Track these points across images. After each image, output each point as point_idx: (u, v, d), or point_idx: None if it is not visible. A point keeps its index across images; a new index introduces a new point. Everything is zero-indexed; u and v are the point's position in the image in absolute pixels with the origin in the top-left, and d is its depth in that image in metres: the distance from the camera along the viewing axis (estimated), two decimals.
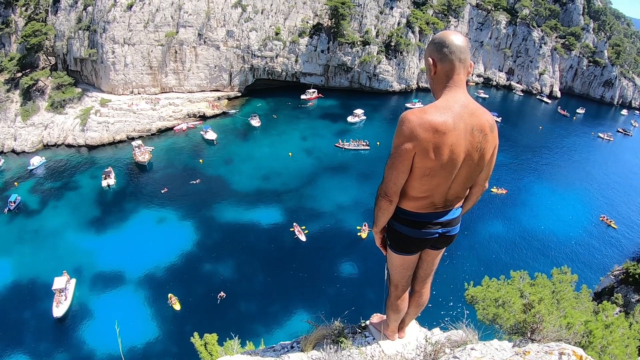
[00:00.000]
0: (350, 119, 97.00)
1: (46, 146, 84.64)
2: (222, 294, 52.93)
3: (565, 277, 18.17)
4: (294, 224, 63.77)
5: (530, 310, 8.68)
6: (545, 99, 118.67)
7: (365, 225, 62.91)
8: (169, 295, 52.94)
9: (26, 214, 66.95)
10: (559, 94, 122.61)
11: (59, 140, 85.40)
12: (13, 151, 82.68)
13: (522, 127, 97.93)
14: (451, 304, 47.71)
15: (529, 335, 8.51)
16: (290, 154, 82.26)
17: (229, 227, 64.92)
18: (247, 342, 17.44)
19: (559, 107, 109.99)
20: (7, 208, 66.41)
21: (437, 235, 4.77)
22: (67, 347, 48.10)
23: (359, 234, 62.19)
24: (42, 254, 58.97)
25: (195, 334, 17.89)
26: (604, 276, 36.88)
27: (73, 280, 54.15)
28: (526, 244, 61.38)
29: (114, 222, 65.85)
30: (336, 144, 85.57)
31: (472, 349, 5.97)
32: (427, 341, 8.59)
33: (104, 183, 73.17)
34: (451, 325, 10.38)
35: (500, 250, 60.25)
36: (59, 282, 52.02)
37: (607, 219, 67.24)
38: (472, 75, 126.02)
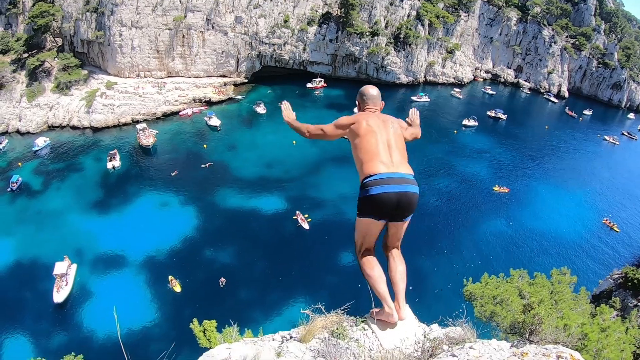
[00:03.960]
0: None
1: (51, 127, 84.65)
2: (222, 279, 53.11)
3: (564, 278, 18.11)
4: (297, 212, 63.82)
5: (529, 311, 8.71)
6: (552, 99, 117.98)
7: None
8: (170, 277, 53.23)
9: (29, 195, 67.06)
10: (566, 94, 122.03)
11: (64, 121, 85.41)
12: (18, 132, 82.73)
13: (528, 125, 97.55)
14: (450, 298, 48.09)
15: (527, 336, 8.54)
16: (294, 142, 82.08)
17: (231, 213, 64.99)
18: (246, 329, 17.49)
19: (567, 107, 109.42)
20: (10, 188, 66.57)
21: (395, 196, 5.22)
22: (67, 331, 48.35)
23: None
24: (43, 235, 59.09)
25: (195, 320, 17.95)
26: (603, 279, 36.90)
27: (74, 265, 54.15)
28: (527, 243, 61.22)
29: (117, 204, 65.98)
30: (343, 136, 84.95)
31: (470, 348, 5.97)
32: (425, 337, 8.66)
33: (109, 165, 73.30)
34: (450, 322, 10.45)
35: (501, 248, 60.15)
36: (60, 267, 51.94)
37: (609, 222, 66.96)
38: (480, 71, 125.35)
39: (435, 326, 10.33)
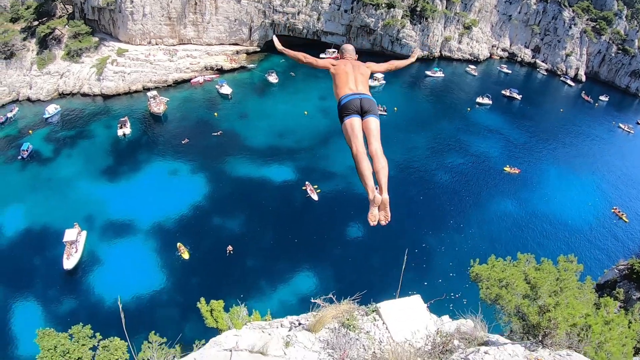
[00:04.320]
0: (369, 82, 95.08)
1: (61, 95, 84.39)
2: (230, 247, 53.53)
3: (570, 266, 17.84)
4: (307, 182, 63.84)
5: (545, 313, 8.48)
6: (569, 82, 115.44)
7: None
8: (178, 244, 53.72)
9: (39, 162, 67.34)
10: (583, 78, 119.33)
11: (74, 89, 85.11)
12: (28, 99, 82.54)
13: (543, 107, 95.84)
14: (455, 278, 48.14)
15: (540, 338, 8.36)
16: (306, 112, 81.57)
17: (241, 182, 65.18)
18: (254, 310, 17.40)
19: (583, 91, 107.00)
20: (20, 156, 66.78)
21: (357, 100, 6.86)
22: (76, 297, 49.06)
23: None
24: (54, 202, 59.54)
25: (202, 299, 17.81)
26: (608, 269, 36.49)
27: (84, 233, 54.57)
28: (534, 226, 60.71)
29: (127, 171, 66.28)
30: None
31: (485, 353, 5.85)
32: (438, 333, 8.52)
33: (120, 132, 73.32)
34: (461, 315, 10.31)
35: (508, 229, 59.78)
36: (70, 235, 52.38)
37: (619, 212, 65.98)
38: (497, 49, 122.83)
39: (446, 318, 10.18)
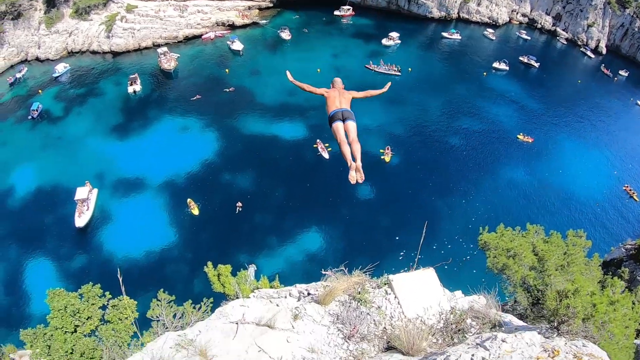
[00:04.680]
0: (384, 41, 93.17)
1: (70, 53, 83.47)
2: (239, 203, 53.79)
3: (579, 241, 17.64)
4: (318, 140, 63.21)
5: (563, 300, 8.11)
6: (588, 53, 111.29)
7: (387, 149, 62.27)
8: (188, 200, 54.06)
9: (50, 121, 67.25)
10: (604, 51, 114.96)
11: (83, 47, 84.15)
12: (37, 59, 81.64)
13: (560, 77, 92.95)
14: (463, 245, 47.98)
15: (555, 324, 8.02)
16: (318, 70, 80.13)
17: (251, 139, 64.91)
18: (262, 276, 17.23)
19: (602, 64, 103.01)
20: (30, 116, 66.58)
21: (340, 112, 9.35)
22: (88, 254, 49.69)
23: (382, 157, 61.56)
24: (65, 161, 59.79)
25: (209, 263, 17.66)
26: (615, 247, 35.93)
27: (95, 190, 54.85)
28: (544, 197, 59.61)
29: (138, 128, 66.16)
30: (366, 66, 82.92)
31: (503, 341, 5.58)
32: (452, 312, 8.21)
33: (130, 89, 72.78)
34: (473, 291, 9.97)
35: (518, 198, 58.91)
36: (81, 193, 52.66)
37: (630, 190, 64.27)
38: (517, 14, 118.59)
39: (458, 293, 9.86)
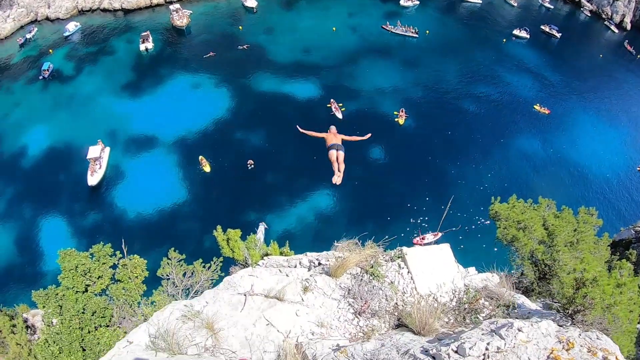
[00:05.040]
0: (403, 1, 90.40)
1: (81, 12, 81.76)
2: (251, 161, 53.74)
3: (590, 219, 17.22)
4: (332, 100, 62.39)
5: (581, 289, 7.79)
6: (612, 27, 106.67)
7: (402, 111, 61.35)
8: (200, 157, 54.12)
9: (61, 81, 66.68)
10: (628, 26, 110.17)
11: (94, 5, 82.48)
12: (47, 19, 79.88)
13: (581, 50, 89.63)
14: (474, 213, 47.57)
15: (570, 312, 7.76)
16: (334, 29, 78.54)
17: (263, 97, 64.26)
18: (272, 242, 17.03)
19: (626, 40, 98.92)
20: (41, 76, 65.92)
21: (335, 145, 12.91)
22: (100, 212, 50.14)
23: (396, 119, 60.80)
24: (77, 120, 59.57)
25: (219, 227, 17.50)
26: (625, 227, 35.25)
27: (107, 149, 54.84)
28: (558, 171, 58.21)
29: (150, 86, 65.61)
30: (383, 26, 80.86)
31: (519, 330, 5.40)
32: (466, 292, 7.94)
33: (142, 47, 71.77)
34: (485, 268, 9.69)
35: (531, 170, 57.68)
36: (93, 151, 52.62)
37: None
38: None
39: (472, 269, 9.61)
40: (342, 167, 13.20)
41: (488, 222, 43.20)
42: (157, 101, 63.05)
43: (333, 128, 13.89)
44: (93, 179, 51.37)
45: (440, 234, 46.06)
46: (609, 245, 18.67)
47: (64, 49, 72.70)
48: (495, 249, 37.83)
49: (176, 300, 19.25)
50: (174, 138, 57.57)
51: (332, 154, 13.16)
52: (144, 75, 67.72)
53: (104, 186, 52.26)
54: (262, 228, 46.62)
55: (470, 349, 5.35)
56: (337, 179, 13.02)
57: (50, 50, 71.92)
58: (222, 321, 7.28)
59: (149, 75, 67.74)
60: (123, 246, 11.66)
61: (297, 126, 14.70)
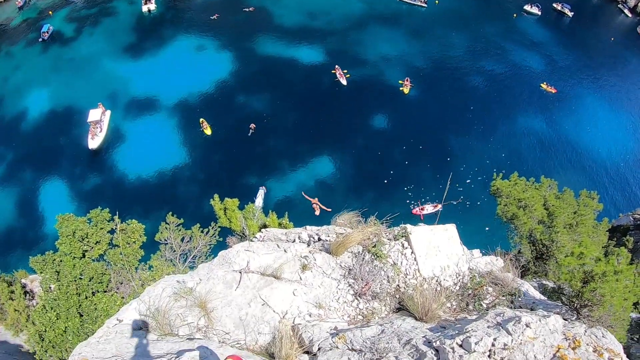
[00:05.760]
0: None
1: None
2: (252, 125, 53.34)
3: (591, 203, 17.37)
4: (336, 66, 61.34)
5: (589, 283, 7.50)
6: (626, 11, 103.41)
7: (407, 80, 60.36)
8: (201, 120, 53.77)
9: (61, 43, 65.70)
10: None
11: None
12: None
13: (593, 31, 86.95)
14: (474, 187, 47.22)
15: (577, 305, 7.49)
16: None
17: (268, 61, 63.38)
18: (270, 212, 16.72)
19: (639, 26, 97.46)
20: (41, 38, 64.87)
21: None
22: (101, 176, 50.04)
23: (400, 88, 59.84)
24: (77, 83, 58.85)
25: (216, 196, 17.23)
26: (624, 214, 34.96)
27: (108, 112, 54.32)
28: (561, 151, 57.27)
29: (151, 48, 64.65)
30: None
31: (527, 326, 5.14)
32: (471, 278, 7.60)
33: (144, 8, 70.53)
34: (489, 250, 9.33)
35: (534, 148, 56.82)
36: (94, 115, 51.99)
37: None
38: None
39: (476, 252, 9.26)
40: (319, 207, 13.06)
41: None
42: (159, 63, 62.21)
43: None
44: (93, 143, 51.05)
45: (440, 206, 45.93)
46: (607, 231, 18.64)
47: (64, 11, 71.69)
48: (487, 228, 38.40)
49: (174, 264, 19.37)
50: (175, 101, 57.07)
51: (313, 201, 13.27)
52: (145, 37, 66.77)
53: (105, 150, 51.96)
54: (261, 192, 46.75)
55: (476, 344, 5.06)
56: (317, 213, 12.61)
57: (50, 12, 70.96)
58: (215, 300, 7.00)
59: (151, 37, 66.75)
60: (117, 218, 11.37)
61: (303, 192, 14.35)
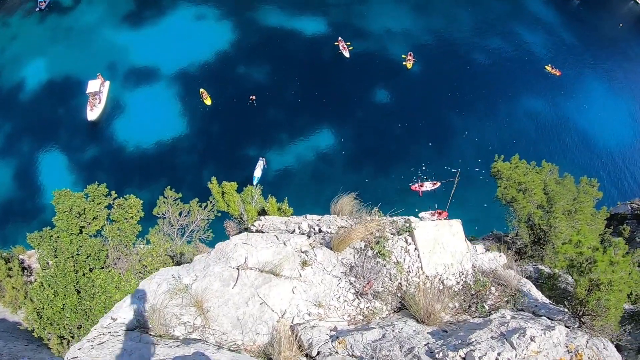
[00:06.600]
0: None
1: None
2: (253, 96, 52.88)
3: (591, 190, 17.26)
4: (339, 38, 60.36)
5: (594, 291, 7.33)
6: None
7: (410, 55, 59.49)
8: (201, 90, 53.33)
9: (59, 12, 64.39)
10: None
11: None
12: None
13: (601, 16, 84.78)
14: (477, 169, 46.99)
15: (579, 313, 7.34)
16: None
17: (269, 31, 62.38)
18: (269, 196, 16.43)
19: None
20: (38, 8, 63.58)
21: None
22: (100, 147, 49.81)
23: (404, 63, 59.03)
24: (76, 53, 57.98)
25: (213, 179, 16.94)
26: (622, 202, 34.67)
27: (107, 83, 53.71)
28: (563, 136, 56.63)
29: (151, 17, 63.62)
30: None
31: (531, 339, 5.01)
32: (475, 280, 7.43)
33: None
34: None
35: (535, 131, 56.30)
36: (93, 86, 51.49)
37: None
38: None
39: (480, 247, 9.09)
40: None
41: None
42: (158, 33, 61.27)
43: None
44: (92, 114, 50.69)
45: (439, 184, 45.86)
46: (605, 219, 18.60)
47: None
48: (485, 205, 38.25)
49: (172, 239, 19.26)
50: (175, 71, 56.46)
51: None
52: (145, 5, 65.44)
53: (104, 121, 51.59)
54: (261, 164, 46.73)
55: (479, 358, 4.91)
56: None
57: None
58: (212, 299, 6.83)
59: (150, 5, 65.47)
60: (114, 193, 11.10)
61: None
